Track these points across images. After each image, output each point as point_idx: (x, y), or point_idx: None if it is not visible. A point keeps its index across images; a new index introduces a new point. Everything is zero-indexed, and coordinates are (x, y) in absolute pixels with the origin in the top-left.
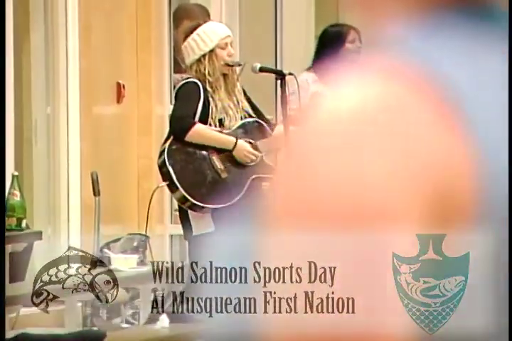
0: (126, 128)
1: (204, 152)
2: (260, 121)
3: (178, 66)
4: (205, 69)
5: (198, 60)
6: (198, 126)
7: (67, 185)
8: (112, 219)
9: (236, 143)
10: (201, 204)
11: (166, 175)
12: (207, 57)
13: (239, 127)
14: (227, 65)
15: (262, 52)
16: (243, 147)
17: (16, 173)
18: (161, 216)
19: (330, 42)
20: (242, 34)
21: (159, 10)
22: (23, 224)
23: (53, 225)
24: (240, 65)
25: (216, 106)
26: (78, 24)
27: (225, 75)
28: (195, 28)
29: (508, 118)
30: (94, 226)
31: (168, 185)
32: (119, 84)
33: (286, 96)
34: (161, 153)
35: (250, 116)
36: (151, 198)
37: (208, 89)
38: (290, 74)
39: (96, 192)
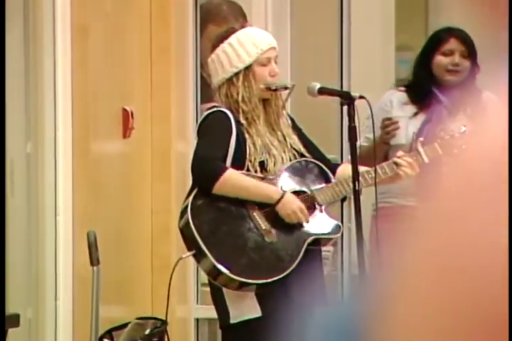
0: (135, 172)
1: (242, 207)
2: (316, 161)
3: (206, 90)
4: (238, 94)
5: (229, 81)
6: (230, 174)
7: (54, 251)
8: (116, 297)
9: (282, 196)
10: (240, 279)
11: (191, 242)
12: (241, 77)
13: (287, 171)
14: (269, 88)
15: (321, 70)
16: (289, 202)
17: None
18: (184, 293)
19: (422, 53)
20: (294, 45)
21: (181, 9)
22: None
23: (35, 306)
24: (286, 88)
25: (254, 144)
26: (70, 27)
27: (265, 102)
28: (226, 36)
29: (509, 118)
30: (91, 307)
31: (194, 254)
32: (125, 112)
33: (355, 127)
34: (183, 211)
35: (302, 156)
36: (173, 272)
37: (242, 121)
38: (361, 97)
39: (94, 261)
